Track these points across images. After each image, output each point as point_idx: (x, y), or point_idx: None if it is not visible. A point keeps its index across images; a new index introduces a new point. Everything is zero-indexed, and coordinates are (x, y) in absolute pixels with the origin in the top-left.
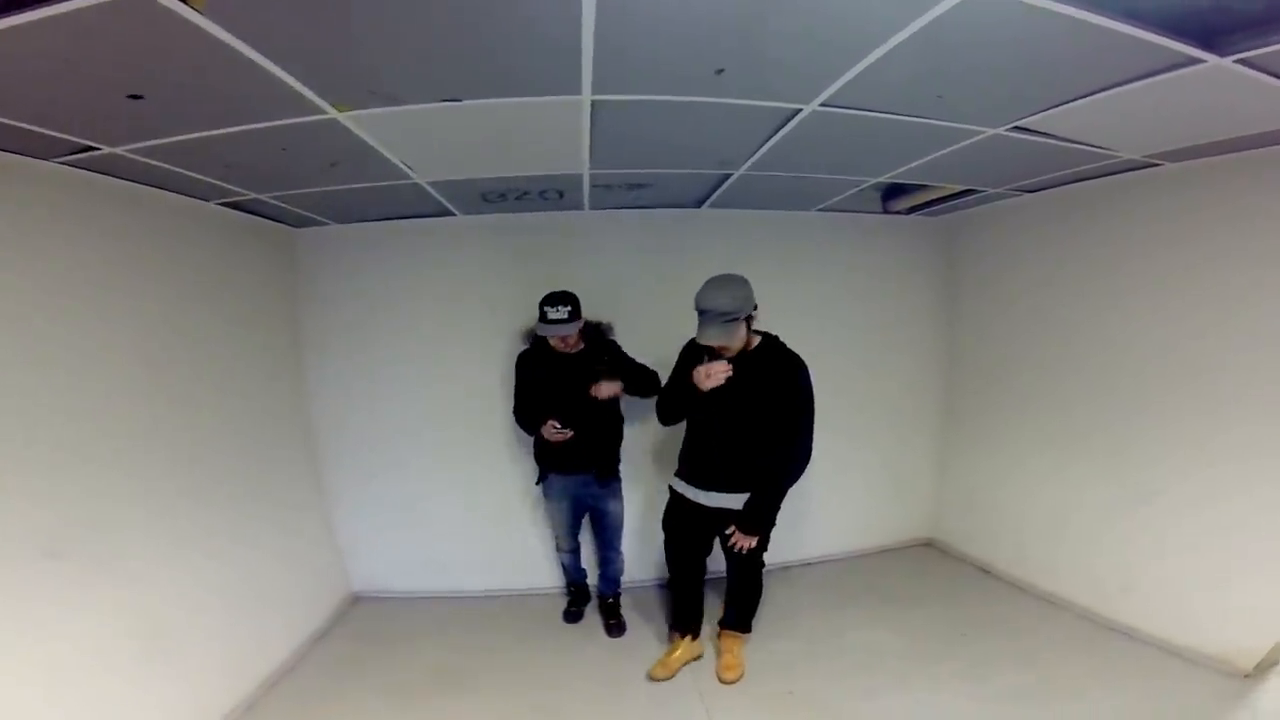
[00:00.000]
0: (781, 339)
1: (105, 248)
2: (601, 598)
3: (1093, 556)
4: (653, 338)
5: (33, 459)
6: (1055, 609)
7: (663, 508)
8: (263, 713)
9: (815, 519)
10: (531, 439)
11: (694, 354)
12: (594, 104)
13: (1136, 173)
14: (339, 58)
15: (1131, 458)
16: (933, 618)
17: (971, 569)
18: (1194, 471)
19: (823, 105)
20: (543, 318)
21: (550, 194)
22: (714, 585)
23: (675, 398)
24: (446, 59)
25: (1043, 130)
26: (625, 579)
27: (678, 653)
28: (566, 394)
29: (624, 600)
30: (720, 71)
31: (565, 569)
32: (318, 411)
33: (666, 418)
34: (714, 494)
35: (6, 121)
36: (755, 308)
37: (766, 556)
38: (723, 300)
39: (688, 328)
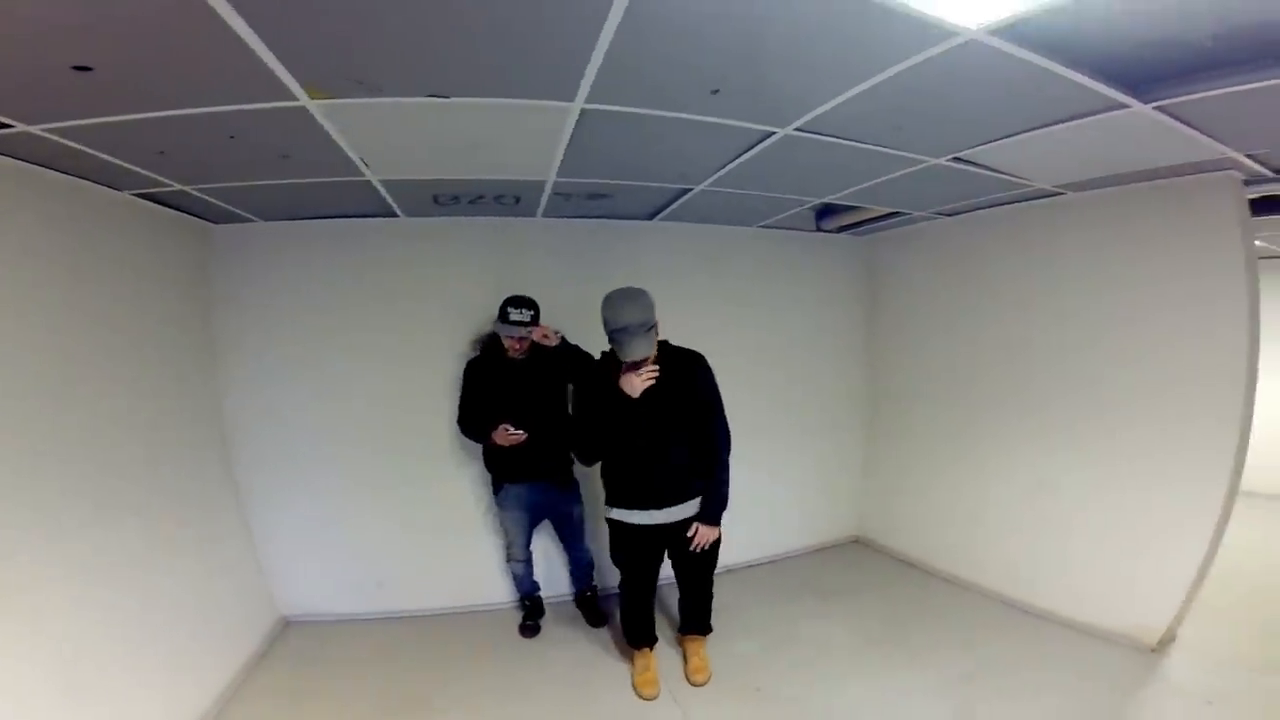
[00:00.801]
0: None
1: (10, 235)
2: (578, 593)
3: (1004, 545)
4: (595, 349)
5: None
6: (978, 596)
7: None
8: None
9: (752, 522)
10: (480, 449)
11: (601, 377)
12: (582, 112)
13: (1042, 200)
14: (334, 38)
15: (1035, 455)
16: (871, 610)
17: (896, 562)
18: (1085, 466)
19: (796, 130)
20: (504, 318)
21: (507, 199)
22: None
23: (593, 425)
24: (447, 51)
25: (976, 161)
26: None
27: (653, 667)
28: (517, 400)
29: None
30: (715, 92)
31: (517, 580)
32: (235, 423)
33: (588, 455)
34: (663, 510)
35: None
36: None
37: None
38: (638, 313)
39: None
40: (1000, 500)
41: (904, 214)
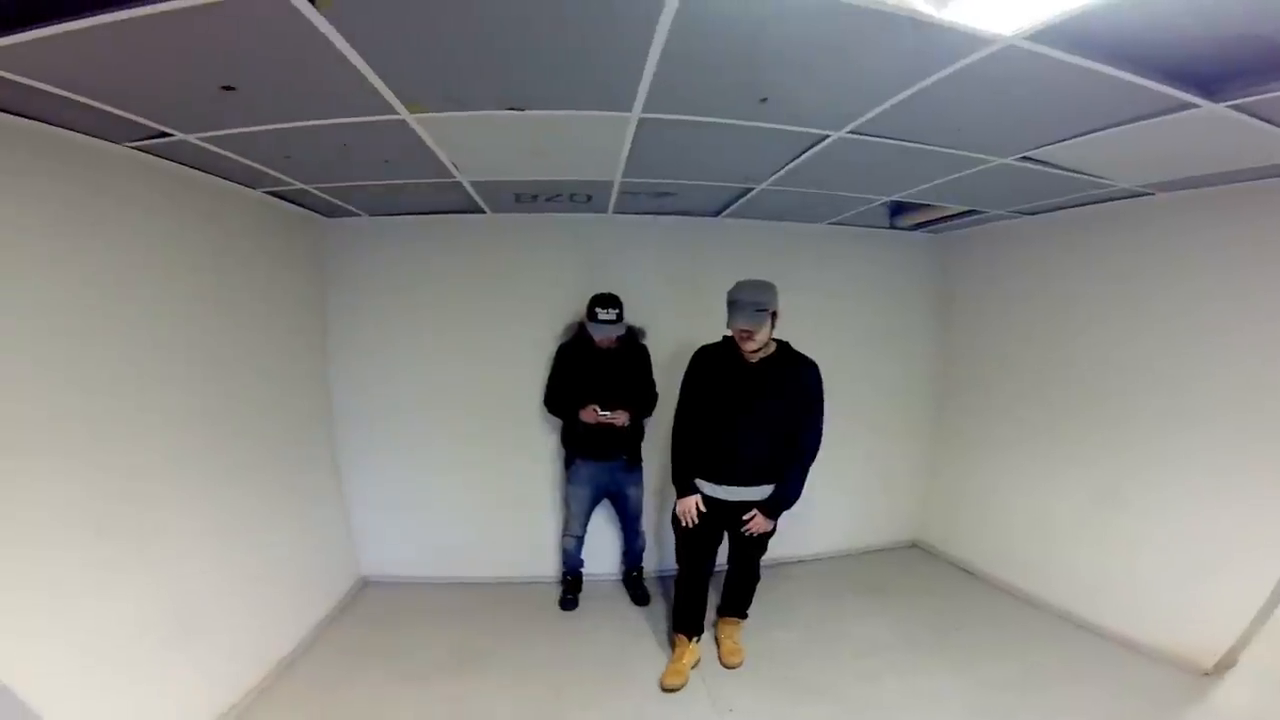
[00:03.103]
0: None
1: (153, 229)
2: (626, 572)
3: (1069, 558)
4: (666, 337)
5: (76, 433)
6: (1033, 608)
7: (671, 506)
8: (277, 696)
9: (810, 519)
10: (557, 429)
11: (708, 359)
12: (640, 121)
13: (1129, 200)
14: (427, 62)
15: (1107, 467)
16: (919, 613)
17: (954, 569)
18: (1163, 480)
19: (850, 133)
20: (593, 317)
21: (580, 197)
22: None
23: (696, 399)
24: (520, 70)
25: (1047, 161)
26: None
27: (686, 658)
28: (603, 384)
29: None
30: (764, 100)
31: (566, 554)
32: (339, 398)
33: (682, 429)
34: (734, 488)
35: (94, 104)
36: (778, 310)
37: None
38: (752, 292)
39: (700, 330)
40: (1067, 511)
41: (981, 212)
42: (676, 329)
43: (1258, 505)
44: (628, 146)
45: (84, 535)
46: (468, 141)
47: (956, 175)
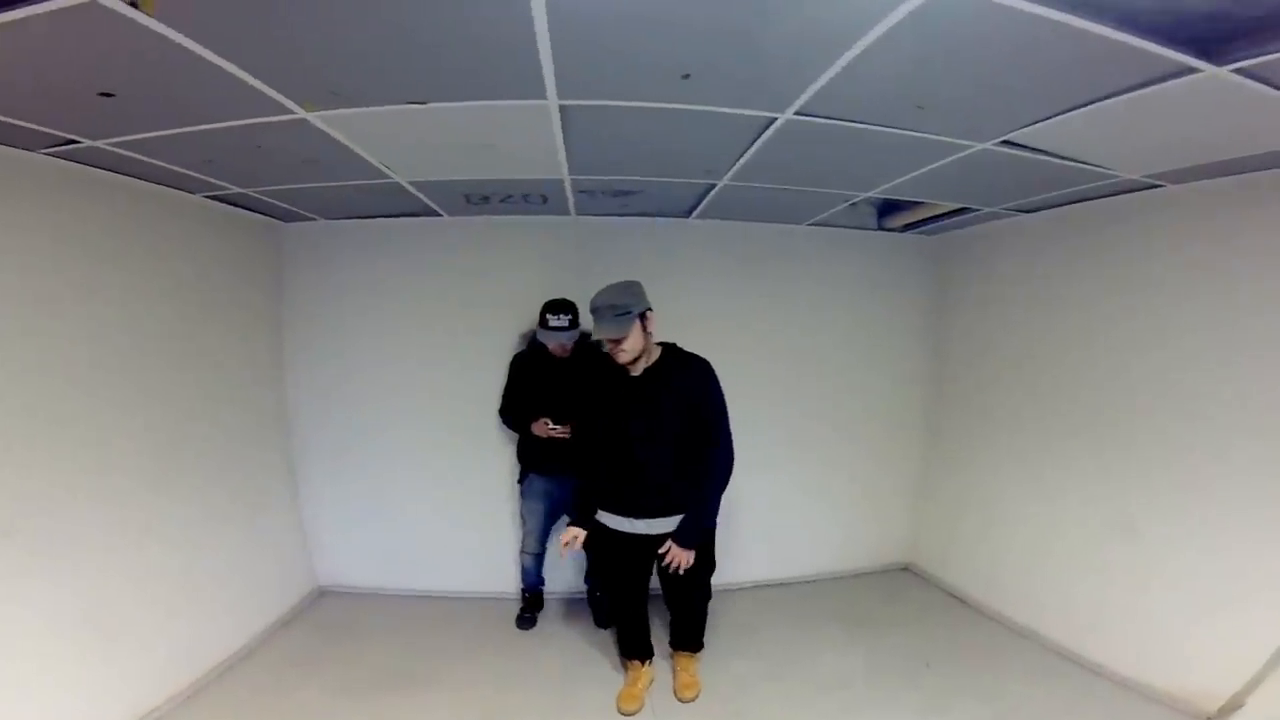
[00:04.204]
0: (680, 345)
1: (88, 236)
2: (590, 591)
3: (1068, 589)
4: None
5: None
6: (1027, 641)
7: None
8: (205, 700)
9: (790, 538)
10: (516, 439)
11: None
12: (563, 109)
13: (1137, 194)
14: (289, 57)
15: (1115, 490)
16: (901, 645)
17: (946, 596)
18: (1179, 509)
19: (798, 114)
20: (544, 324)
21: (534, 198)
22: (655, 601)
23: (590, 424)
24: (396, 61)
25: (1035, 146)
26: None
27: (641, 682)
28: (556, 396)
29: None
30: (686, 76)
31: (525, 572)
32: (295, 406)
33: (589, 453)
34: (647, 521)
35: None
36: (650, 310)
37: (745, 574)
38: (613, 297)
39: (665, 338)
40: (1070, 538)
41: (974, 210)
42: None
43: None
44: (560, 137)
45: None
46: (385, 139)
47: (933, 165)
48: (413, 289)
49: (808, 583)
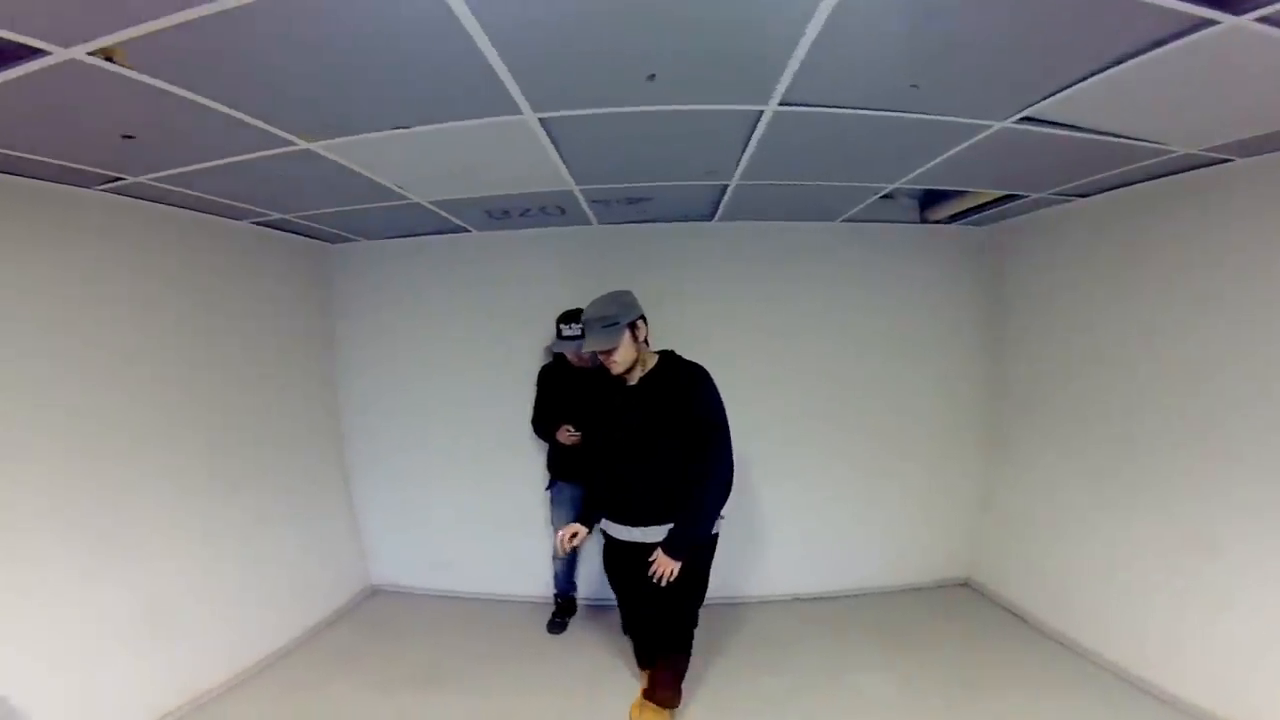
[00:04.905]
0: (678, 353)
1: (147, 262)
2: None
3: (1140, 611)
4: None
5: (70, 449)
6: (1089, 666)
7: None
8: (247, 689)
9: (833, 550)
10: (546, 447)
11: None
12: (544, 122)
13: (1203, 170)
14: (272, 95)
15: (1196, 505)
16: (943, 667)
17: (1006, 614)
18: (1268, 528)
19: (784, 105)
20: (558, 334)
21: (551, 210)
22: None
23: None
24: (363, 91)
25: (1060, 121)
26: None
27: None
28: (580, 406)
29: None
30: (652, 77)
31: (556, 577)
32: (348, 417)
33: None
34: (642, 529)
35: (32, 156)
36: (643, 319)
37: (786, 585)
38: (601, 309)
39: (692, 343)
40: (1144, 555)
41: (1022, 196)
42: (666, 342)
43: None
44: (551, 150)
45: (66, 536)
46: (388, 163)
47: (955, 150)
48: (448, 302)
49: (856, 597)
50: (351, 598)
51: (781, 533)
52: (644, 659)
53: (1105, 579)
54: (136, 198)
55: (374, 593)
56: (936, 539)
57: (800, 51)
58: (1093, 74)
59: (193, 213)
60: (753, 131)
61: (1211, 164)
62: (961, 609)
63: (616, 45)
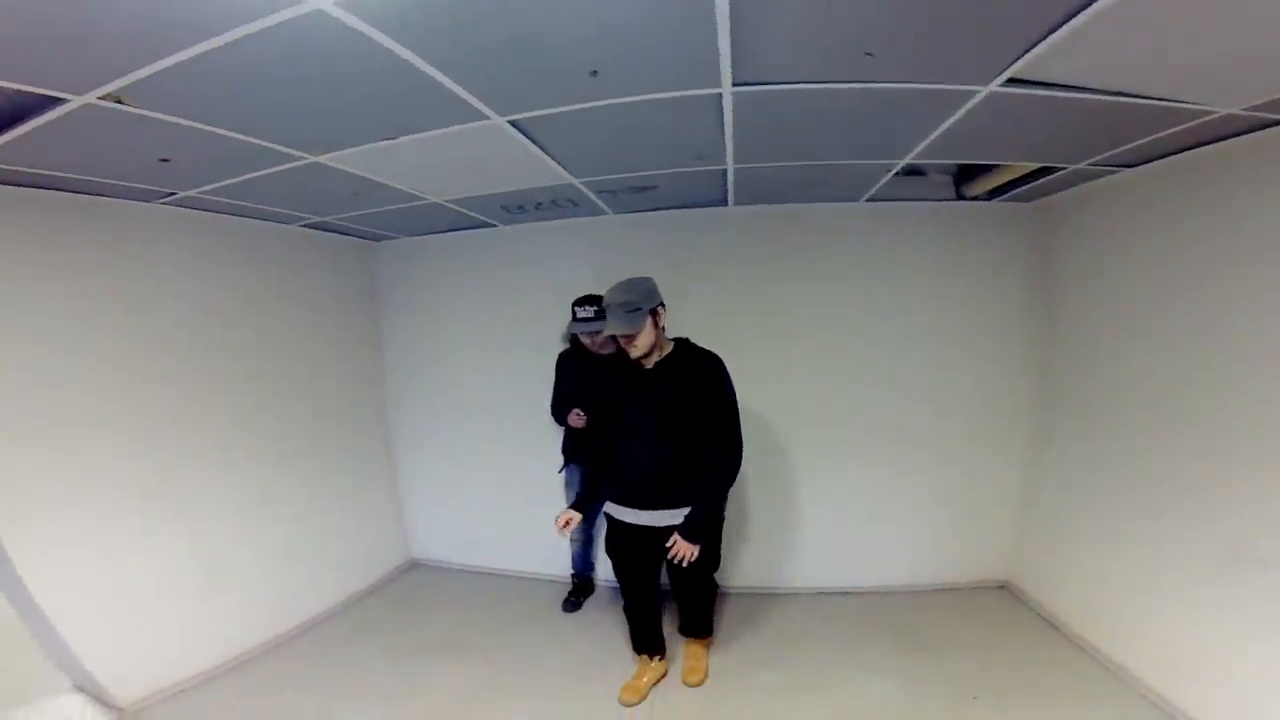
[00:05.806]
0: (693, 340)
1: (211, 264)
2: None
3: (1172, 626)
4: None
5: (135, 421)
6: (1115, 682)
7: None
8: (289, 649)
9: (861, 545)
10: (562, 431)
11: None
12: (515, 124)
13: (1261, 133)
14: (266, 119)
15: (1249, 517)
16: (957, 674)
17: (1040, 620)
18: None
19: (738, 85)
20: (573, 316)
21: (563, 202)
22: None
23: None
24: (336, 113)
25: (1056, 81)
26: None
27: (645, 677)
28: (596, 391)
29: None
30: (595, 73)
31: (573, 558)
32: (393, 399)
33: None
34: (652, 513)
35: (93, 178)
36: (662, 305)
37: (801, 574)
38: (623, 295)
39: (710, 328)
40: (1186, 568)
41: (1059, 168)
42: (686, 329)
43: None
44: (535, 149)
45: (131, 500)
46: (392, 170)
47: (952, 120)
48: (481, 292)
49: (882, 594)
50: (392, 570)
51: (803, 525)
52: (640, 643)
53: (1137, 589)
54: (193, 208)
55: (413, 566)
56: (975, 539)
57: (723, 29)
58: (1063, 23)
59: (245, 220)
60: (722, 114)
61: (1264, 126)
62: (993, 612)
63: (540, 45)
